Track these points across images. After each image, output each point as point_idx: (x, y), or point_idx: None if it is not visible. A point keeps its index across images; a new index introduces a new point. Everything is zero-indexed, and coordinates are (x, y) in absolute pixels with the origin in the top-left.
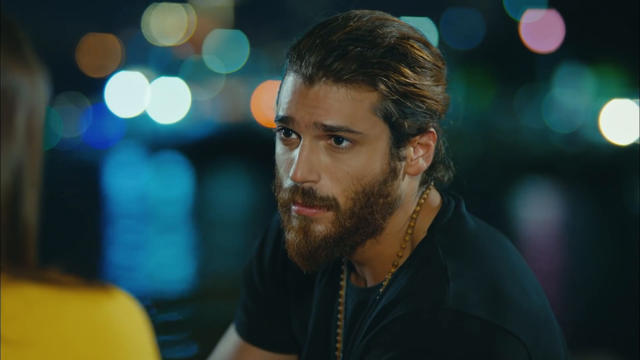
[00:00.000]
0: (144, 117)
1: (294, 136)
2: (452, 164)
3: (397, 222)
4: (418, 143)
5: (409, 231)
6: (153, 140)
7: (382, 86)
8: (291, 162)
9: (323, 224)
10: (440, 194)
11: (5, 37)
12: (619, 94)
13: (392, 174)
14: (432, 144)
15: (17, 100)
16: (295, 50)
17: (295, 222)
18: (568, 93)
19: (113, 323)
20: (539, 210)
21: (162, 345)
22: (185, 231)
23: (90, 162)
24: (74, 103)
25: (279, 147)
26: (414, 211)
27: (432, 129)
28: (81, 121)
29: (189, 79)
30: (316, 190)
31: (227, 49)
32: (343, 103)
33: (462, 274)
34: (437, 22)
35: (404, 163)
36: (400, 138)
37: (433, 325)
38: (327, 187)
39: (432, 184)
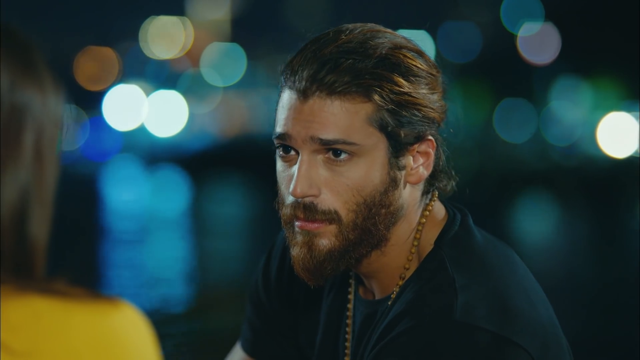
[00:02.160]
0: (141, 130)
1: (292, 152)
2: (454, 173)
3: (402, 233)
4: (417, 152)
5: (415, 243)
6: (151, 153)
7: (376, 96)
8: (291, 178)
9: (327, 238)
10: (445, 206)
11: (17, 56)
12: (616, 107)
13: (393, 183)
14: (432, 152)
15: (26, 119)
16: (288, 67)
17: (299, 238)
18: (565, 106)
19: (120, 335)
20: (536, 223)
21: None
22: (183, 244)
23: (88, 175)
24: (71, 116)
25: (279, 165)
26: (419, 223)
27: (430, 137)
28: (79, 134)
29: (187, 92)
30: (317, 204)
31: (224, 62)
32: (338, 116)
33: (470, 287)
34: (434, 35)
35: (404, 172)
36: (398, 147)
37: (441, 338)
38: (328, 200)
39: (436, 195)
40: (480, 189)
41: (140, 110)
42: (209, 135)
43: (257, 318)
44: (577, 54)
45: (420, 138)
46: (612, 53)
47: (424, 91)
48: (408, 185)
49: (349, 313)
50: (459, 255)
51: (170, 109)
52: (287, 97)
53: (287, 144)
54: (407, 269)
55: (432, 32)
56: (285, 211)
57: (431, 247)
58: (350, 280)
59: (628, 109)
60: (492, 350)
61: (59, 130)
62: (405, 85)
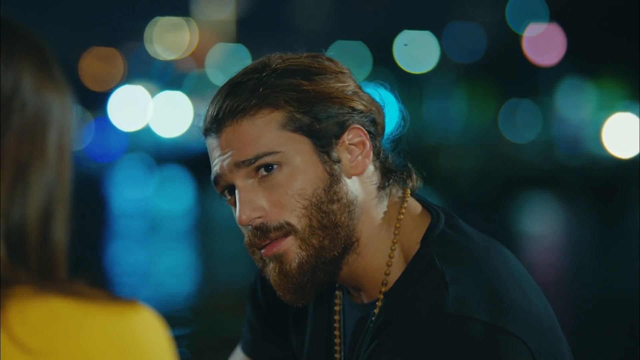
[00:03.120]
0: (146, 130)
1: (231, 193)
2: (412, 166)
3: (370, 230)
4: (350, 144)
5: (395, 241)
6: (156, 153)
7: (282, 103)
8: None
9: (292, 252)
10: (425, 206)
11: (37, 58)
12: (621, 107)
13: (333, 177)
14: (366, 140)
15: (49, 121)
16: (200, 119)
17: (270, 265)
18: (570, 106)
19: (137, 337)
20: (541, 223)
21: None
22: (188, 244)
23: (93, 175)
24: (77, 117)
25: (232, 209)
26: (396, 227)
27: (356, 125)
28: (84, 135)
29: (192, 93)
30: (267, 223)
31: (229, 62)
32: (250, 134)
33: (460, 279)
34: (439, 36)
35: (340, 165)
36: (323, 143)
37: (435, 331)
38: (275, 215)
39: (408, 194)
40: (485, 188)
41: (145, 110)
42: None
43: (257, 319)
44: (582, 55)
45: (344, 128)
46: (617, 54)
47: (335, 84)
48: (356, 178)
49: (337, 317)
50: (447, 252)
51: (175, 109)
52: (207, 143)
53: (223, 185)
54: (389, 274)
55: (437, 33)
56: (248, 246)
57: (417, 246)
58: (337, 286)
59: (633, 110)
60: (487, 341)
61: (73, 130)
62: (307, 84)
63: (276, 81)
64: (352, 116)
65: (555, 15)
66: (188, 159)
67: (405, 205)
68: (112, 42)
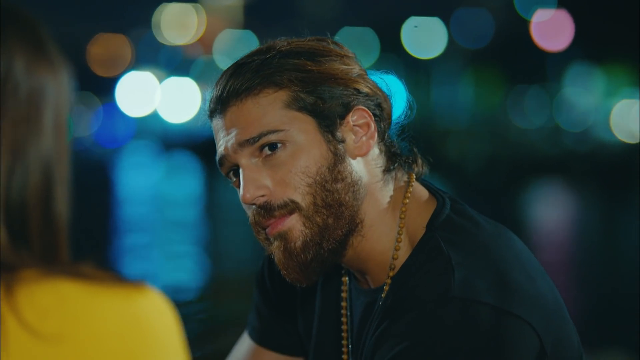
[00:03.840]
0: (154, 116)
1: (236, 172)
2: (417, 151)
3: (374, 213)
4: (355, 125)
5: (401, 225)
6: (164, 139)
7: (286, 82)
8: None
9: (296, 229)
10: (431, 192)
11: (29, 39)
12: (629, 93)
13: (337, 157)
14: (371, 122)
15: (44, 100)
16: (205, 101)
17: (274, 243)
18: (578, 92)
19: (145, 319)
20: (549, 209)
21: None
22: (196, 230)
23: (101, 161)
24: (84, 103)
25: (238, 193)
26: (402, 211)
27: (360, 107)
28: (92, 121)
29: (199, 79)
30: (271, 201)
31: (237, 48)
32: (254, 113)
33: (467, 263)
34: (447, 22)
35: (344, 145)
36: (327, 122)
37: (442, 314)
38: (279, 193)
39: (413, 178)
40: (493, 174)
41: (153, 96)
42: None
43: (264, 305)
44: (590, 41)
45: (349, 108)
46: (625, 40)
47: (340, 66)
48: (360, 159)
49: (344, 303)
50: (452, 237)
51: (183, 95)
52: (212, 124)
53: (228, 165)
54: (396, 258)
55: (445, 19)
56: (253, 225)
57: (423, 231)
58: (343, 272)
59: None
60: (493, 324)
61: (70, 109)
62: (312, 65)
63: (281, 61)
64: (356, 98)
65: (563, 1)
66: (195, 144)
67: (411, 189)
68: (120, 28)
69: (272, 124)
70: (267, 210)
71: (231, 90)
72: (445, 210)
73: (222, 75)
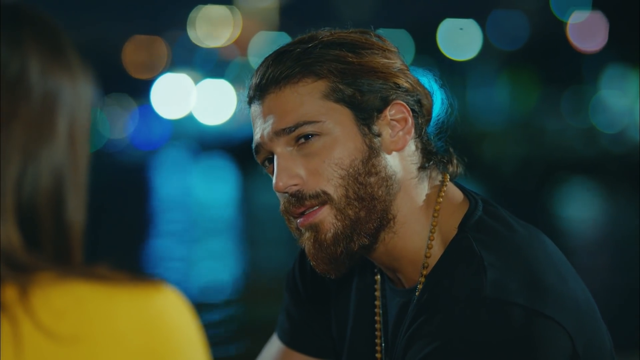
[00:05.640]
0: (189, 118)
1: (270, 158)
2: (453, 151)
3: (407, 210)
4: (392, 119)
5: (434, 224)
6: (199, 141)
7: (325, 72)
8: None
9: (327, 222)
10: (464, 193)
11: (46, 42)
12: None
13: (372, 151)
14: (409, 117)
15: (59, 104)
16: (245, 87)
17: (305, 234)
18: (614, 94)
19: (162, 318)
20: (584, 210)
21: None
22: (230, 232)
23: (137, 163)
24: (120, 105)
25: (271, 178)
26: (435, 210)
27: (399, 101)
28: (128, 123)
29: (235, 81)
30: (303, 190)
31: (272, 50)
32: (292, 102)
33: (499, 263)
34: (482, 24)
35: (380, 139)
36: (365, 115)
37: (473, 315)
38: (312, 183)
39: (447, 178)
40: (528, 175)
41: (189, 98)
42: None
43: (294, 307)
44: (625, 43)
45: (387, 102)
46: None
47: (382, 60)
48: (396, 154)
49: (377, 302)
50: (485, 237)
51: (218, 97)
52: (251, 111)
53: (264, 153)
54: (429, 257)
55: (481, 21)
56: (284, 214)
57: (455, 231)
58: (376, 271)
59: None
60: (525, 325)
61: (90, 115)
62: (354, 57)
63: (322, 51)
64: (395, 92)
65: (598, 3)
66: (231, 146)
67: (445, 189)
68: (155, 30)
69: (309, 114)
70: (298, 199)
71: (270, 77)
72: (478, 212)
73: (263, 62)
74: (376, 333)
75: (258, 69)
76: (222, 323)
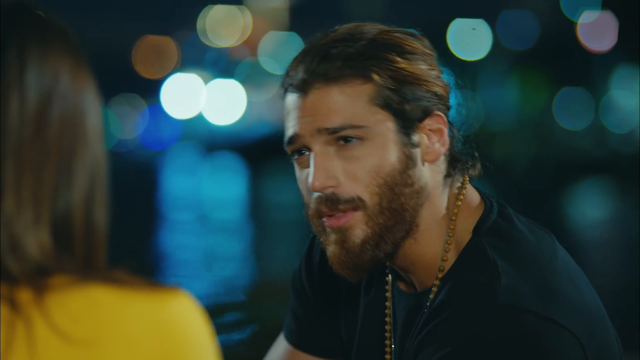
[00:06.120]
0: (199, 118)
1: (306, 153)
2: (477, 155)
3: (430, 218)
4: (429, 130)
5: (451, 228)
6: (209, 141)
7: (374, 76)
8: (307, 177)
9: (358, 228)
10: (480, 195)
11: (71, 53)
12: None
13: (410, 161)
14: (444, 128)
15: (87, 108)
16: (285, 74)
17: (332, 236)
18: (624, 94)
19: (176, 323)
20: (594, 210)
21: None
22: (241, 232)
23: (147, 163)
24: (130, 105)
25: (297, 171)
26: (453, 212)
27: (438, 112)
28: (137, 123)
29: (245, 81)
30: (339, 194)
31: (282, 50)
32: (339, 102)
33: (512, 270)
34: (492, 24)
35: (418, 150)
36: (407, 124)
37: (486, 321)
38: (348, 187)
39: (467, 181)
40: (539, 176)
41: (199, 98)
42: (267, 124)
43: (301, 307)
44: (635, 43)
45: (428, 113)
46: None
47: (421, 66)
48: (427, 164)
49: (388, 304)
50: (499, 242)
51: (228, 97)
52: (288, 99)
53: (298, 145)
54: (446, 260)
55: (491, 21)
56: (311, 212)
57: (469, 235)
58: (387, 272)
59: None
60: (537, 332)
61: (102, 116)
62: (402, 62)
63: (371, 53)
64: (435, 102)
65: (608, 3)
66: (241, 146)
67: (464, 192)
68: (165, 30)
69: (355, 118)
70: (332, 202)
71: (319, 72)
72: (492, 216)
73: (309, 53)
74: (386, 334)
75: (303, 58)
76: (231, 323)
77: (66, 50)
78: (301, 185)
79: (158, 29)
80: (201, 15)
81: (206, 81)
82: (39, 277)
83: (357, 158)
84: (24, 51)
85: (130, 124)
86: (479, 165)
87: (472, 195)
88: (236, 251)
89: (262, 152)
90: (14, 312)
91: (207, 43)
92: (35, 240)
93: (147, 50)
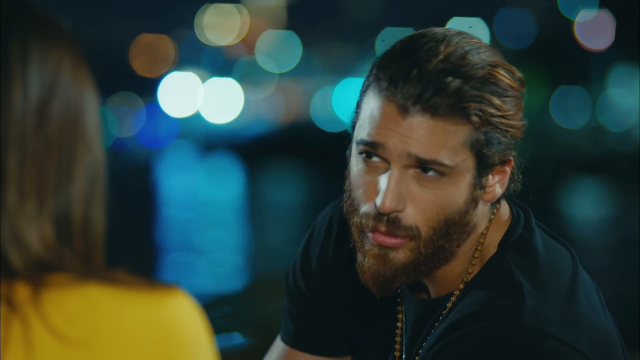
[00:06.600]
0: (197, 117)
1: (375, 159)
2: (519, 176)
3: (468, 245)
4: (496, 172)
5: (479, 248)
6: (206, 140)
7: (475, 119)
8: (373, 186)
9: (403, 252)
10: (509, 205)
11: (72, 51)
12: None
13: (473, 204)
14: (508, 170)
15: (86, 104)
16: (385, 74)
17: (374, 250)
18: (621, 93)
19: (174, 323)
20: (591, 208)
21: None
22: (237, 230)
23: (144, 161)
24: (127, 103)
25: (360, 167)
26: (485, 227)
27: (511, 159)
28: (135, 121)
29: (242, 79)
30: (401, 219)
31: (279, 49)
32: (437, 135)
33: (536, 292)
34: (490, 22)
35: (483, 191)
36: (484, 168)
37: (507, 342)
38: (411, 216)
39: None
40: (536, 174)
41: (196, 97)
42: (264, 122)
43: (296, 307)
44: (633, 42)
45: (505, 160)
46: None
47: (512, 112)
48: (482, 203)
49: (400, 308)
50: (524, 260)
51: (225, 95)
52: (382, 105)
53: (377, 153)
54: (470, 273)
55: (488, 19)
56: (363, 221)
57: (494, 249)
58: None
59: None
60: (556, 358)
61: (99, 113)
62: (502, 107)
63: (481, 96)
64: (511, 147)
65: (605, 1)
66: (238, 145)
67: (498, 206)
68: (162, 29)
69: (447, 156)
70: (392, 224)
71: (430, 104)
72: (519, 230)
73: (417, 68)
74: (396, 339)
75: (408, 70)
76: (228, 319)
77: (66, 47)
78: (356, 183)
79: (155, 27)
80: (198, 13)
81: (203, 80)
82: (39, 273)
83: (431, 190)
84: (27, 45)
85: (128, 122)
86: (519, 183)
87: (503, 207)
88: (233, 249)
89: (259, 150)
90: (10, 311)
91: (204, 41)
92: (37, 233)
93: (144, 48)
